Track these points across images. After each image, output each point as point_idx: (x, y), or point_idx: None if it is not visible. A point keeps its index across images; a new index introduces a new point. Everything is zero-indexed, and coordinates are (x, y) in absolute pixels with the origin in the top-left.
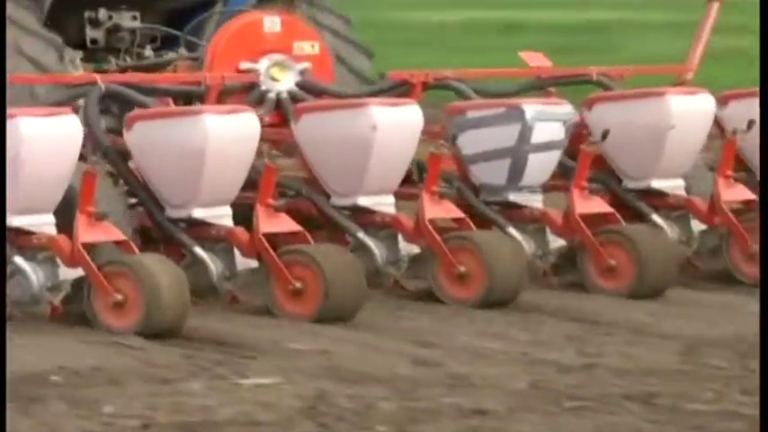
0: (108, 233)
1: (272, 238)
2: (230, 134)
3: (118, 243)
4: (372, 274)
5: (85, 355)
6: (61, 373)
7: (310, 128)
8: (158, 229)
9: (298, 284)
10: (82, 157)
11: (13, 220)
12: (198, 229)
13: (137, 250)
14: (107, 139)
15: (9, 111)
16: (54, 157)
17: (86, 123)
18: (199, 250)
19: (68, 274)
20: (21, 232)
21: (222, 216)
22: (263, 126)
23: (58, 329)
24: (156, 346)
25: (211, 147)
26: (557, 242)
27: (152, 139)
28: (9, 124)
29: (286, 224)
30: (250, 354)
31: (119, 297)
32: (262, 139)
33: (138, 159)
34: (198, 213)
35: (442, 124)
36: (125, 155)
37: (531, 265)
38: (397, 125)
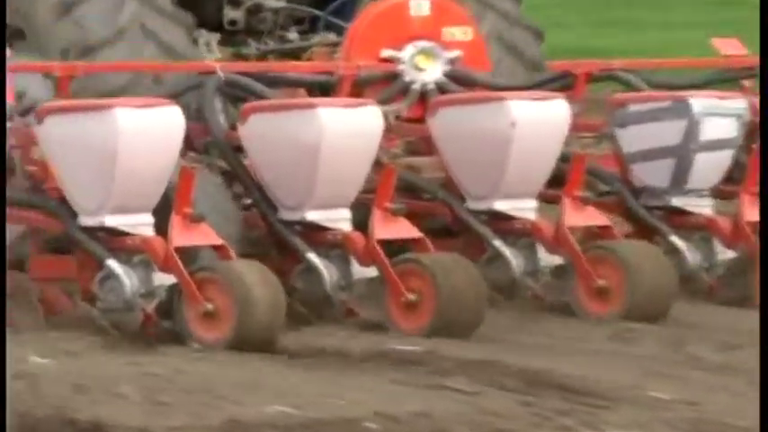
0: (204, 236)
1: (390, 245)
2: (348, 130)
3: (215, 248)
4: (510, 286)
5: (402, 397)
6: (377, 420)
7: (446, 124)
8: (270, 233)
9: (411, 297)
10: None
11: (107, 220)
12: (312, 233)
13: (233, 256)
14: (223, 134)
15: (105, 101)
16: (153, 151)
17: (203, 116)
18: (312, 257)
19: (164, 279)
20: (115, 233)
21: (340, 219)
22: (401, 120)
23: (365, 368)
24: (487, 389)
25: (326, 143)
26: (725, 253)
27: (266, 133)
28: (104, 115)
29: (404, 230)
30: (601, 402)
31: (209, 306)
32: (400, 136)
33: (251, 155)
34: (312, 216)
35: (604, 119)
36: (240, 151)
37: (696, 278)
38: (539, 121)
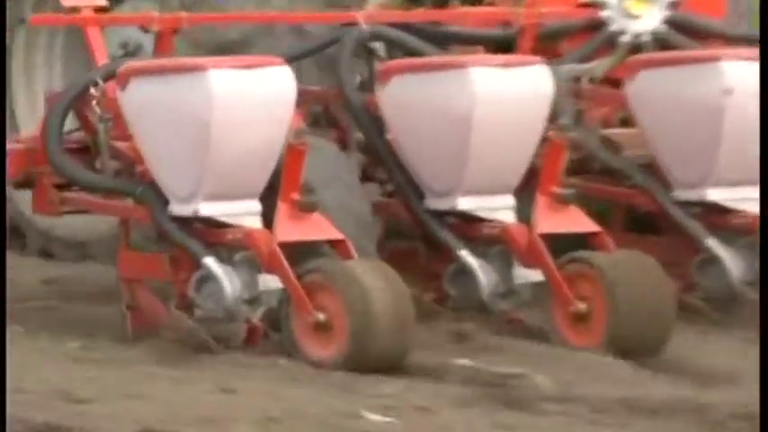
0: (316, 230)
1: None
2: (509, 95)
3: (332, 243)
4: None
5: None
6: None
7: (646, 89)
8: (416, 226)
9: (581, 306)
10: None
11: (203, 209)
12: (466, 225)
13: (353, 254)
14: (360, 101)
15: (198, 61)
16: (256, 122)
17: (337, 76)
18: (465, 255)
19: (270, 282)
20: (212, 224)
21: (499, 208)
22: (599, 83)
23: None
24: None
25: (480, 112)
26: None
27: (408, 99)
28: (196, 78)
29: (575, 222)
30: None
31: (320, 317)
32: (596, 102)
33: (393, 128)
34: (464, 204)
35: None
36: (380, 122)
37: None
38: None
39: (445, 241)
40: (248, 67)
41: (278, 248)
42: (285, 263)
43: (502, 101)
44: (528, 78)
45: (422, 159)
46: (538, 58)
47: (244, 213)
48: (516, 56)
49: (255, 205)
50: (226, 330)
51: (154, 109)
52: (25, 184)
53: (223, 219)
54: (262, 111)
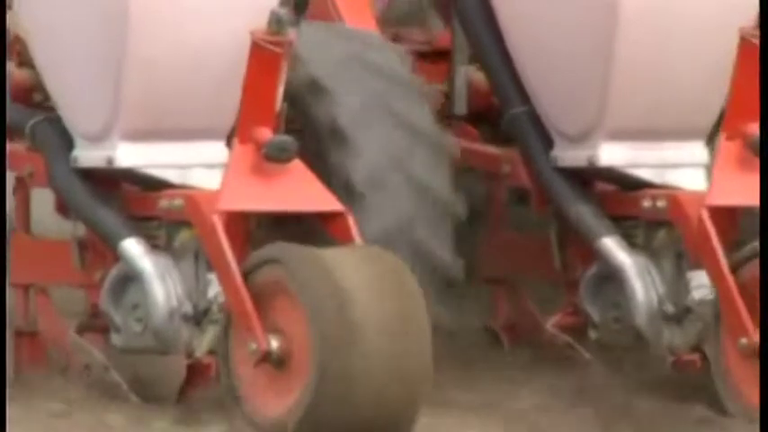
0: (297, 194)
1: None
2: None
3: (324, 217)
4: None
5: None
6: None
7: None
8: (538, 196)
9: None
10: None
11: (121, 155)
12: (613, 194)
13: (353, 234)
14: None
15: None
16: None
17: None
18: (610, 246)
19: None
20: (139, 182)
21: (676, 165)
22: None
23: None
24: None
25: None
26: None
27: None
28: None
29: None
30: None
31: (273, 345)
32: None
33: (511, 44)
34: (610, 155)
35: None
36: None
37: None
38: None
39: (579, 222)
40: None
41: (217, 221)
42: (227, 250)
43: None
44: None
45: (534, 75)
46: None
47: (193, 164)
48: None
49: (215, 150)
50: (156, 368)
51: None
52: None
53: (154, 173)
54: None
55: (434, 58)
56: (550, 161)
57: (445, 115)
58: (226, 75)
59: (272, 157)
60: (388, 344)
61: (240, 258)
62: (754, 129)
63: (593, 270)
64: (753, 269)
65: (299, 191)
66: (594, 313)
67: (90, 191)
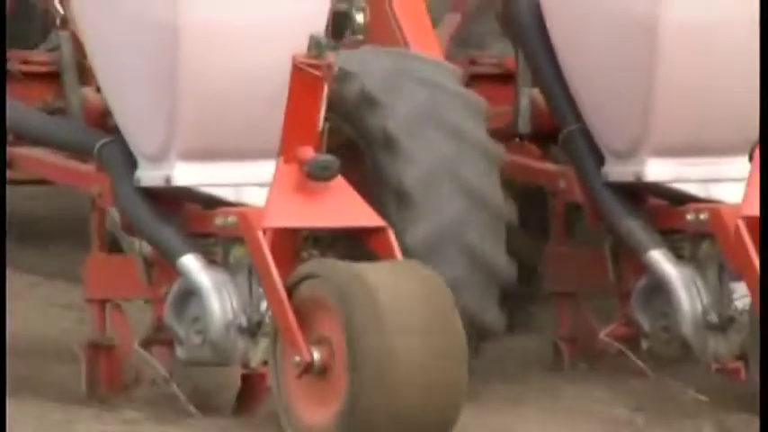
0: (338, 210)
1: None
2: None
3: (366, 232)
4: None
5: None
6: None
7: None
8: (591, 210)
9: None
10: None
11: (179, 174)
12: (662, 208)
13: (395, 250)
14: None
15: None
16: (257, 35)
17: None
18: (658, 259)
19: None
20: (196, 200)
21: (719, 180)
22: None
23: None
24: None
25: (668, 12)
26: None
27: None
28: None
29: None
30: None
31: (315, 356)
32: None
33: (557, 42)
34: (657, 171)
35: None
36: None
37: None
38: None
39: (627, 236)
40: None
41: (261, 237)
42: (271, 264)
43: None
44: None
45: (585, 94)
46: None
47: (247, 183)
48: None
49: (268, 169)
50: (215, 379)
51: (107, 5)
52: None
53: (210, 191)
54: (265, 9)
55: (504, 80)
56: (602, 177)
57: (512, 134)
58: (276, 97)
59: (315, 175)
60: (421, 354)
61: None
62: (309, 153)
63: (642, 282)
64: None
65: (342, 207)
66: (645, 323)
67: (152, 209)
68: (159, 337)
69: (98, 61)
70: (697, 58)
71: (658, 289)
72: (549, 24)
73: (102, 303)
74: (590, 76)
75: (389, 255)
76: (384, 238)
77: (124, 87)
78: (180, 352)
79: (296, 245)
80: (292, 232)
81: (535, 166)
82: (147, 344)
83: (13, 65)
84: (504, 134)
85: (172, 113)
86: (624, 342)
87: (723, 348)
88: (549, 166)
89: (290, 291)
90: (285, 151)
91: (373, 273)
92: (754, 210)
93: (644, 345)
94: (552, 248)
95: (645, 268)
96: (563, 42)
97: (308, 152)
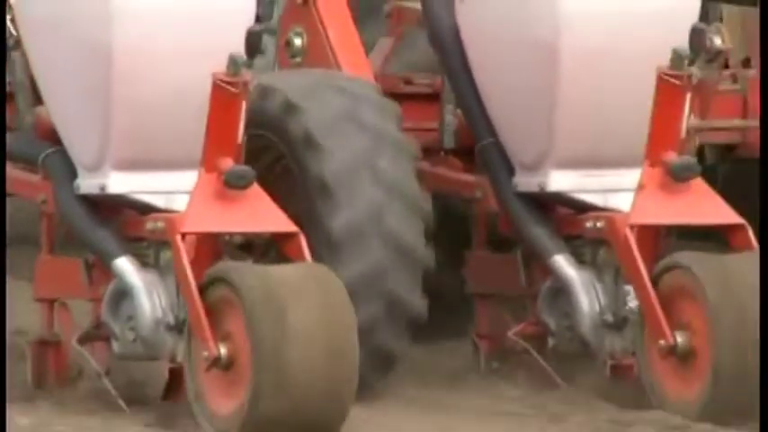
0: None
1: None
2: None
3: (279, 237)
4: None
5: None
6: None
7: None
8: (503, 217)
9: (680, 339)
10: None
11: (113, 183)
12: (564, 217)
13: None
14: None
15: None
16: (185, 49)
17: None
18: (561, 263)
19: None
20: (131, 207)
21: (610, 189)
22: None
23: None
24: None
25: (569, 40)
26: None
27: (486, 21)
28: None
29: (699, 208)
30: None
31: (222, 351)
32: None
33: (473, 63)
34: (557, 181)
35: None
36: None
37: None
38: None
39: (532, 242)
40: None
41: (179, 241)
42: (187, 266)
43: (607, 21)
44: None
45: (497, 112)
46: None
47: (177, 190)
48: None
49: (193, 178)
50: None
51: (44, 28)
52: None
53: (142, 198)
54: (198, 33)
55: (435, 99)
56: (512, 187)
57: (437, 149)
58: (201, 111)
59: (232, 183)
60: (317, 349)
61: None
62: (672, 156)
63: (548, 284)
64: (670, 280)
65: (257, 214)
66: (551, 323)
67: (89, 215)
68: (98, 334)
69: (42, 79)
70: (594, 81)
71: (561, 291)
72: (465, 46)
73: (50, 302)
74: (501, 95)
75: (300, 258)
76: (295, 243)
77: (64, 102)
78: (116, 347)
79: (215, 248)
80: (211, 236)
81: (455, 178)
82: (86, 340)
83: None
84: (431, 149)
85: (106, 126)
86: (533, 340)
87: (618, 345)
88: (467, 177)
89: (202, 290)
90: (206, 161)
91: (278, 273)
92: (641, 218)
93: (550, 343)
94: (472, 254)
95: (550, 272)
96: (478, 63)
97: (227, 162)
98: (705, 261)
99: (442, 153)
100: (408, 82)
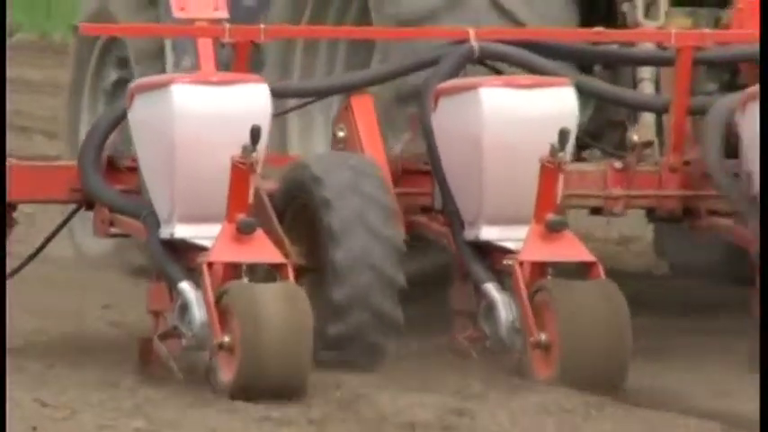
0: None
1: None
2: (523, 116)
3: (274, 267)
4: None
5: None
6: None
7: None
8: (459, 261)
9: (542, 337)
10: None
11: (178, 231)
12: (492, 257)
13: (290, 277)
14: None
15: (165, 77)
16: (225, 142)
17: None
18: (489, 288)
19: None
20: (191, 247)
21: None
22: None
23: None
24: None
25: (490, 132)
26: None
27: (441, 123)
28: (164, 93)
29: (568, 250)
30: None
31: (225, 339)
32: None
33: (440, 152)
34: (487, 233)
35: None
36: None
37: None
38: None
39: (472, 274)
40: (218, 83)
41: (205, 270)
42: (209, 286)
43: (516, 122)
44: (550, 99)
45: (454, 185)
46: (564, 79)
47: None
48: (543, 78)
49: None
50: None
51: (140, 126)
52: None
53: (197, 241)
54: (230, 129)
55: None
56: (463, 237)
57: (431, 209)
58: None
59: (243, 230)
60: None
61: None
62: (550, 215)
63: (483, 303)
64: (539, 297)
65: (260, 250)
66: (487, 330)
67: (165, 253)
68: (172, 333)
69: (139, 163)
70: (511, 162)
71: (491, 308)
72: (437, 141)
73: (157, 313)
74: (453, 175)
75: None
76: (284, 270)
77: (150, 178)
78: (183, 342)
79: (231, 274)
80: (228, 265)
81: (438, 229)
82: (164, 337)
83: None
84: (428, 207)
85: (172, 193)
86: (476, 342)
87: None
88: (443, 229)
89: (217, 299)
90: (228, 215)
91: (261, 288)
92: (529, 256)
93: (487, 344)
94: (455, 285)
95: (483, 295)
96: (442, 152)
97: (240, 216)
98: (560, 285)
99: (433, 212)
100: (414, 163)
